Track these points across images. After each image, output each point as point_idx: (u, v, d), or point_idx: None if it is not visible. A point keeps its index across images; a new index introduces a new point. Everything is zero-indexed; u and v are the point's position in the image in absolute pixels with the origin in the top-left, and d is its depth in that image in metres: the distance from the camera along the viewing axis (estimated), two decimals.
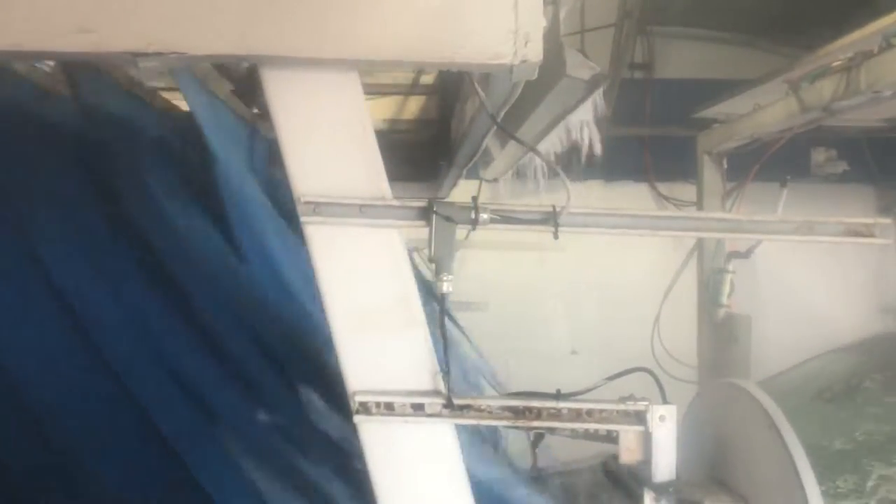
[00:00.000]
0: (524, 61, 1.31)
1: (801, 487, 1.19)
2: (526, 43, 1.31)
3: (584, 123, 2.28)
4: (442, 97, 3.19)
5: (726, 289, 4.27)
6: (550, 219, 1.44)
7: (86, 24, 1.25)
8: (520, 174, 3.43)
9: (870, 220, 1.49)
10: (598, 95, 2.03)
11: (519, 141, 1.79)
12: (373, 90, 2.99)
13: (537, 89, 1.81)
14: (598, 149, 2.36)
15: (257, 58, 1.34)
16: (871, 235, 1.49)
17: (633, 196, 5.15)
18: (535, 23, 1.31)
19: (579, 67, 1.71)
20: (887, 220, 1.49)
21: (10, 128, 1.82)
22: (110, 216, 1.86)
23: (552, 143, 2.50)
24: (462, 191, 3.09)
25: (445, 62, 1.34)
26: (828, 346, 5.12)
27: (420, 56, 1.34)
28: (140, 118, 1.98)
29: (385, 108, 3.23)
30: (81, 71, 1.84)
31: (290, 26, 1.30)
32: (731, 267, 4.27)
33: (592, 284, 5.18)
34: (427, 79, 3.23)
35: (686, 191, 4.92)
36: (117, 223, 1.86)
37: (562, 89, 1.80)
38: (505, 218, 1.45)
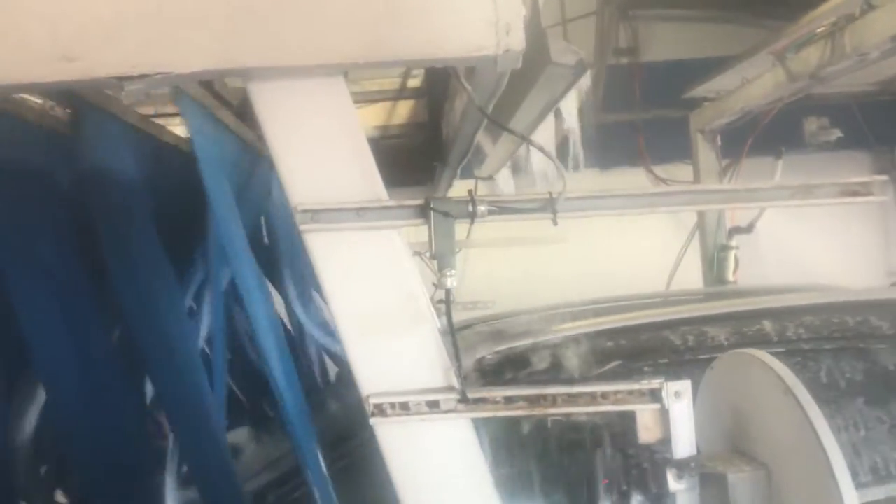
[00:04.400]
0: (507, 51, 1.31)
1: (823, 449, 1.18)
2: (507, 32, 1.31)
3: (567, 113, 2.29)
4: (430, 99, 3.20)
5: (731, 265, 4.27)
6: (548, 205, 1.44)
7: (69, 53, 1.26)
8: (515, 169, 3.43)
9: (867, 179, 1.49)
10: (581, 84, 2.03)
11: (509, 131, 1.80)
12: (360, 98, 3.00)
13: (524, 80, 1.82)
14: (577, 137, 2.37)
15: (243, 71, 1.35)
16: (870, 194, 1.49)
17: (629, 181, 5.15)
18: (515, 11, 1.31)
19: (564, 54, 1.72)
20: (884, 177, 1.49)
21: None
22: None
23: (543, 138, 2.51)
24: (458, 191, 3.09)
25: (429, 59, 1.35)
26: None
27: (403, 55, 1.34)
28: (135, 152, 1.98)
29: (374, 114, 3.24)
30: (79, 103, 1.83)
31: (272, 36, 1.30)
32: (733, 242, 4.27)
33: (597, 274, 5.17)
34: (414, 82, 3.24)
35: (682, 171, 4.93)
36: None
37: (548, 77, 1.81)
38: (503, 209, 1.45)
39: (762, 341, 1.97)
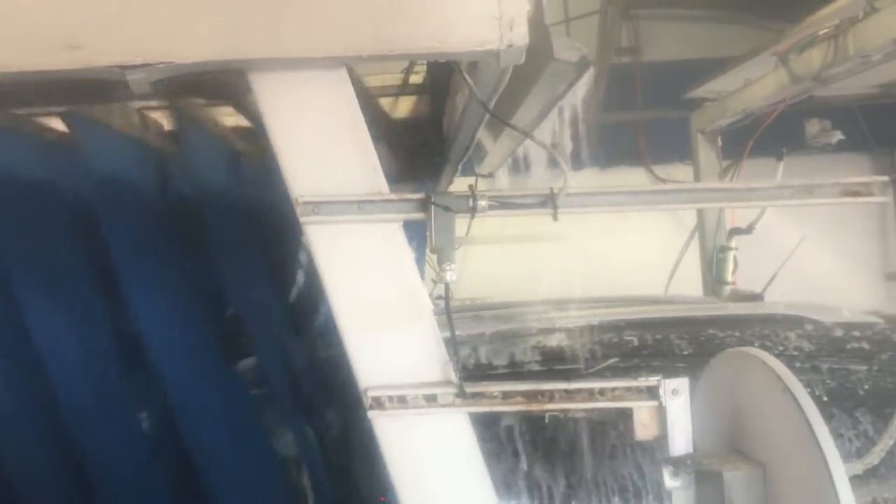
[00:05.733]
0: (511, 46, 1.31)
1: (819, 448, 1.18)
2: (511, 27, 1.31)
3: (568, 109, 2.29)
4: (432, 95, 3.18)
5: (730, 266, 4.26)
6: (549, 201, 1.44)
7: (73, 41, 1.26)
8: (515, 167, 3.43)
9: (867, 179, 1.49)
10: (582, 82, 2.03)
11: (512, 126, 1.79)
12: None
13: (526, 77, 1.81)
14: (569, 138, 2.37)
15: (245, 62, 1.35)
16: (870, 194, 1.49)
17: (629, 181, 5.15)
18: (519, 7, 1.31)
19: (566, 50, 1.71)
20: (884, 178, 1.50)
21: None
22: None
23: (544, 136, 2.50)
24: (458, 187, 3.09)
25: (432, 53, 1.35)
26: None
27: (406, 49, 1.34)
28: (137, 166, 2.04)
29: None
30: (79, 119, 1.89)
31: (276, 28, 1.30)
32: (733, 244, 4.27)
33: (596, 273, 5.16)
34: (416, 78, 3.23)
35: (682, 172, 4.93)
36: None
37: (551, 74, 1.80)
38: (503, 204, 1.45)
39: (556, 357, 1.99)
